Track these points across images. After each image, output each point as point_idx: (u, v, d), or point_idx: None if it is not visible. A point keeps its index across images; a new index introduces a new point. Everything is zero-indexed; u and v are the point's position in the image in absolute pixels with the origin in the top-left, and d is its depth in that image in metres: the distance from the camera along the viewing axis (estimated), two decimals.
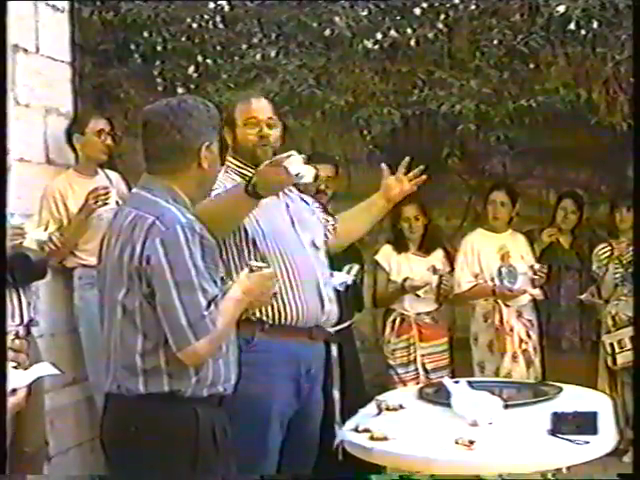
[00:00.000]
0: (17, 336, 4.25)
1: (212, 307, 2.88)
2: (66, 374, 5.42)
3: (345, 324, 5.02)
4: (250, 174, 3.86)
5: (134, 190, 3.13)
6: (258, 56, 6.27)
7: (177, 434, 2.93)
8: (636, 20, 4.23)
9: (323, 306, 3.84)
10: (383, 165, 4.13)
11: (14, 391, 2.86)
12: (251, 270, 3.09)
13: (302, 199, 4.11)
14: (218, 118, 3.17)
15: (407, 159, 4.09)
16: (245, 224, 3.71)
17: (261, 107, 3.95)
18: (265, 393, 3.61)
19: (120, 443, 3.00)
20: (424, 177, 4.08)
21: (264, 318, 3.69)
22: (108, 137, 5.62)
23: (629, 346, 5.92)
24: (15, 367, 3.59)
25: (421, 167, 4.05)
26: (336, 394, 4.02)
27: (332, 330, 4.02)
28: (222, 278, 3.07)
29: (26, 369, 3.72)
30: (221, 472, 3.02)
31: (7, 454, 3.55)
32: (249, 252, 3.70)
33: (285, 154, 3.46)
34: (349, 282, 4.76)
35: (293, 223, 3.89)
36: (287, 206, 3.93)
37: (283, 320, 3.73)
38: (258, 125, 3.89)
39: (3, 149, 3.89)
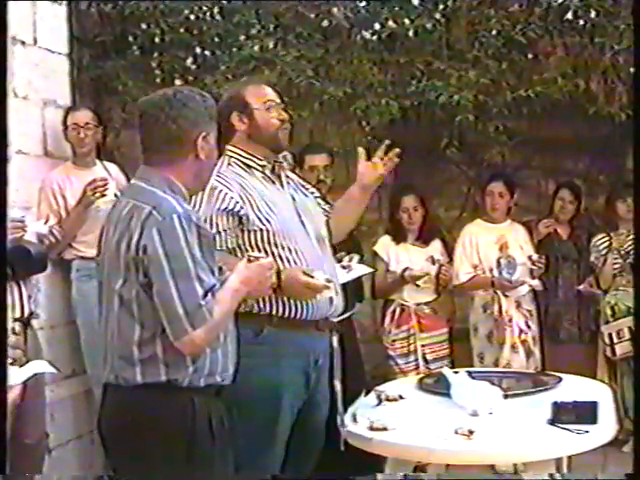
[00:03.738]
0: (13, 332, 4.26)
1: (209, 297, 2.88)
2: (65, 367, 5.44)
3: (346, 314, 5.03)
4: (256, 165, 3.84)
5: (132, 181, 3.13)
6: (256, 47, 6.27)
7: (174, 424, 2.93)
8: (636, 10, 4.23)
9: (332, 299, 3.81)
10: (360, 149, 4.05)
11: (9, 387, 2.86)
12: (249, 260, 3.09)
13: (302, 190, 4.07)
14: (215, 108, 3.16)
15: (386, 143, 4.03)
16: (255, 221, 3.68)
17: (273, 92, 3.92)
18: (276, 385, 3.59)
19: (117, 433, 3.00)
20: (396, 159, 3.99)
21: (273, 312, 3.66)
22: (82, 130, 5.58)
23: (628, 336, 5.92)
24: (11, 363, 3.60)
25: (397, 150, 3.96)
26: (338, 384, 4.02)
27: (336, 320, 4.01)
28: (220, 268, 3.07)
29: (22, 365, 3.73)
30: (218, 462, 3.03)
31: (7, 449, 3.57)
32: (260, 250, 3.62)
33: (323, 284, 3.60)
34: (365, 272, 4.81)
35: (300, 216, 3.84)
36: (293, 199, 3.89)
37: (293, 314, 3.70)
38: (277, 108, 3.86)
39: (3, 142, 3.89)
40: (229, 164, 3.80)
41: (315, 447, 3.91)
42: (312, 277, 3.60)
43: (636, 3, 4.36)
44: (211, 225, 3.57)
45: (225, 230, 3.64)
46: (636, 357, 5.10)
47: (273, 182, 3.86)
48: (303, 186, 4.10)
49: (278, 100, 3.89)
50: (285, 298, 3.65)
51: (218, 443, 3.01)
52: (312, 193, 4.17)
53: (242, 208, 3.66)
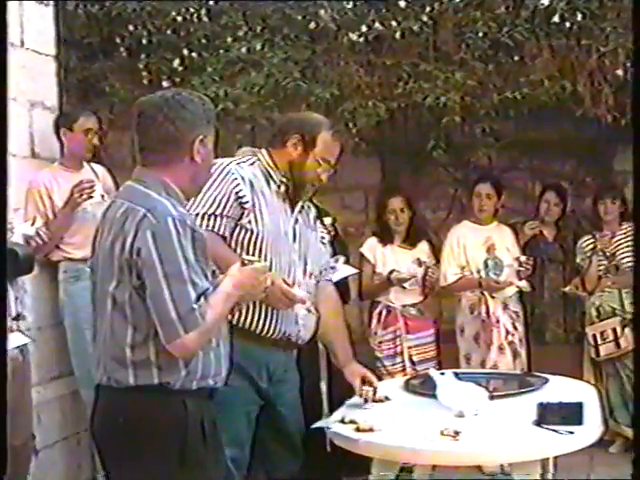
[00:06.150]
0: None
1: (202, 300, 2.88)
2: (52, 368, 5.43)
3: None
4: (276, 179, 3.78)
5: (127, 182, 3.11)
6: (243, 49, 6.28)
7: (166, 426, 2.92)
8: (636, 10, 4.23)
9: (298, 328, 3.78)
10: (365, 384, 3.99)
11: None
12: (243, 264, 3.08)
13: (314, 223, 4.01)
14: (213, 112, 3.14)
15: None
16: (252, 219, 3.66)
17: (337, 153, 3.88)
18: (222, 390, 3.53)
19: (110, 434, 2.99)
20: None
21: (228, 318, 3.64)
22: (95, 136, 5.55)
23: (611, 338, 5.95)
24: None
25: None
26: (323, 386, 4.02)
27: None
28: (213, 272, 3.06)
29: None
30: (210, 465, 3.02)
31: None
32: (242, 249, 3.63)
33: (300, 297, 3.57)
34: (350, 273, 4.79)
35: (295, 239, 3.81)
36: (296, 221, 3.85)
37: (248, 325, 3.69)
38: (328, 171, 3.82)
39: (3, 144, 3.88)
40: (252, 164, 3.79)
41: (293, 457, 3.88)
42: (291, 287, 3.59)
43: (636, 3, 4.36)
44: (219, 205, 3.60)
45: (229, 217, 3.63)
46: (635, 358, 5.08)
47: (283, 201, 3.80)
48: (314, 222, 4.02)
49: (333, 162, 3.85)
50: (244, 308, 3.62)
51: (210, 445, 3.01)
52: (320, 234, 4.09)
53: (247, 202, 3.65)
